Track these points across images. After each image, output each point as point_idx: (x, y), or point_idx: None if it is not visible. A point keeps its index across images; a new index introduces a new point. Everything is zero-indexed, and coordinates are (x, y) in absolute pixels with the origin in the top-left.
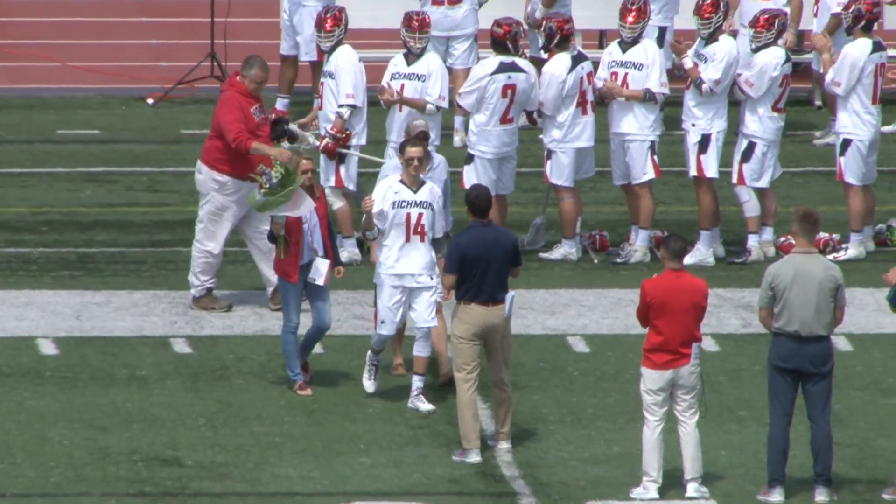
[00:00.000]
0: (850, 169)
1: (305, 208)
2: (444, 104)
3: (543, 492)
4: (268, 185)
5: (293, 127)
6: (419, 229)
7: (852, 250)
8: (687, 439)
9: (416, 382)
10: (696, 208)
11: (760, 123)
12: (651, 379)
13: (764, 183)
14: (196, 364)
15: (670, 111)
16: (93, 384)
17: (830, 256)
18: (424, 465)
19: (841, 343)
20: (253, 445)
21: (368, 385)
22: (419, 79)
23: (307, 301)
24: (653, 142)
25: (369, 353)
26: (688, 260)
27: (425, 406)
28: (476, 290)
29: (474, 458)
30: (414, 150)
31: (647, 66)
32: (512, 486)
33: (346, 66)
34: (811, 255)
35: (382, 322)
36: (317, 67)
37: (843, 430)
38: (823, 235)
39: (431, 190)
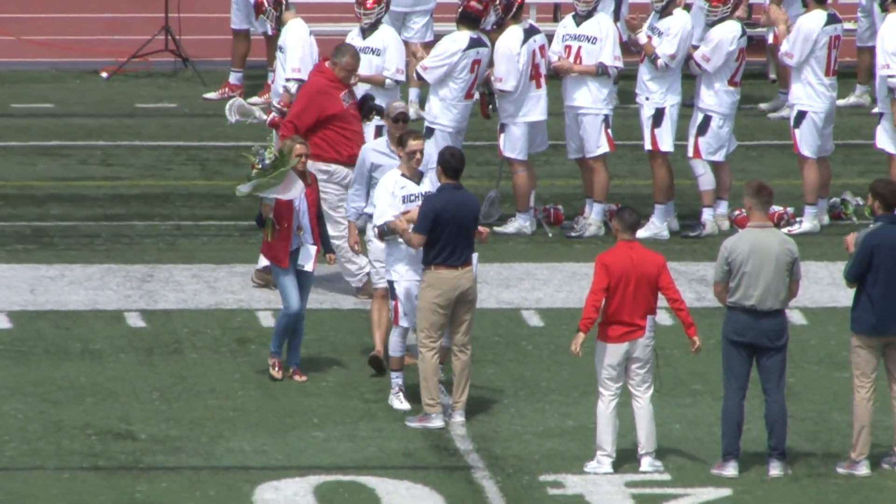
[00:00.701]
0: (805, 141)
1: (296, 192)
2: (402, 77)
3: (497, 465)
4: (260, 166)
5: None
6: None
7: (807, 223)
8: (641, 413)
9: (396, 380)
10: (650, 182)
11: (716, 97)
12: (606, 352)
13: (720, 157)
14: (150, 338)
15: (625, 85)
16: (47, 358)
17: (785, 230)
18: (379, 439)
19: (795, 317)
20: (207, 419)
21: (400, 405)
22: (374, 52)
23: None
24: (606, 115)
25: (392, 374)
26: (642, 233)
27: (402, 405)
28: (448, 252)
29: (437, 422)
30: (416, 144)
31: (600, 39)
32: (466, 460)
33: (294, 41)
34: (767, 229)
35: (405, 315)
36: (270, 41)
37: (797, 403)
38: (778, 209)
39: (431, 181)
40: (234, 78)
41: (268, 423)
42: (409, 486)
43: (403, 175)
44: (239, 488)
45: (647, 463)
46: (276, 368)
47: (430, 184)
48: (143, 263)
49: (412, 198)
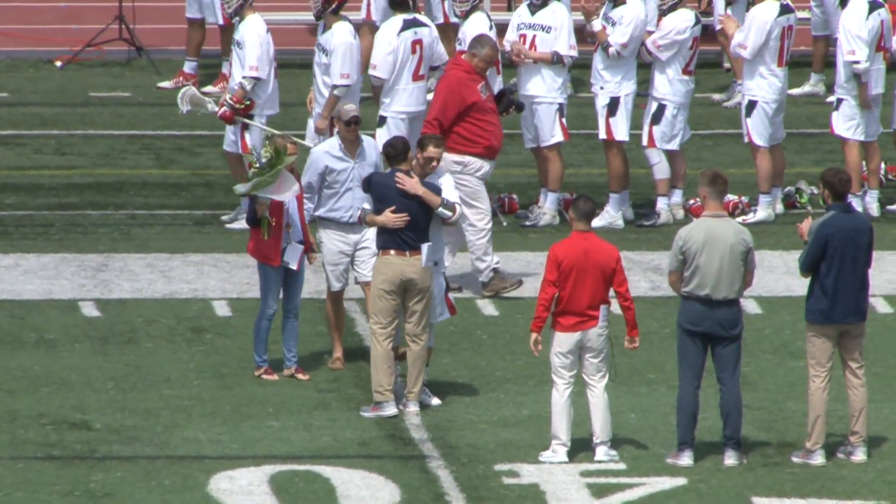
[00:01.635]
0: (757, 130)
1: (291, 193)
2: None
3: (452, 455)
4: (257, 165)
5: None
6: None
7: (761, 212)
8: (596, 402)
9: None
10: (605, 171)
11: (670, 86)
12: (559, 341)
13: (675, 145)
14: (105, 327)
15: (579, 73)
16: (1, 347)
17: (739, 219)
18: (333, 429)
19: (750, 306)
20: (162, 409)
21: (430, 401)
22: (325, 52)
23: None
24: (561, 104)
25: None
26: (597, 223)
27: (434, 400)
28: (395, 237)
29: (390, 410)
30: (435, 151)
31: (555, 28)
32: (421, 449)
33: (251, 38)
34: (722, 219)
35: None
36: (225, 31)
37: (752, 392)
38: (732, 198)
39: (444, 184)
40: (188, 67)
41: (223, 412)
42: (364, 475)
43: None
44: (194, 478)
45: (602, 452)
46: (271, 374)
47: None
48: (97, 253)
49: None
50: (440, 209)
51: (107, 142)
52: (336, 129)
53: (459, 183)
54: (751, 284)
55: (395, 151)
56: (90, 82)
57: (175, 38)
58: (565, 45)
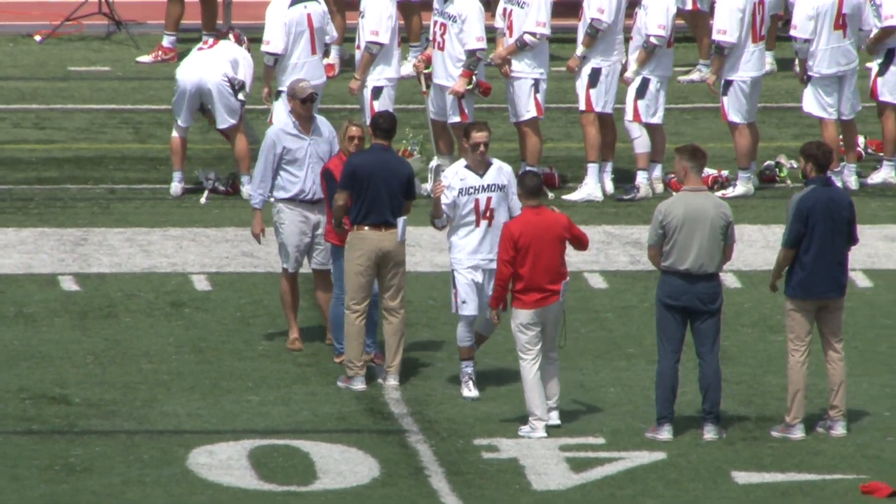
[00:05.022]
0: (733, 107)
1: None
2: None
3: (431, 429)
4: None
5: None
6: (488, 214)
7: (740, 187)
8: (550, 370)
9: (465, 369)
10: (584, 145)
11: (655, 60)
12: (524, 317)
13: (658, 119)
14: (84, 301)
15: (558, 48)
16: None
17: (719, 193)
18: (312, 403)
19: (729, 280)
20: (141, 383)
21: (469, 393)
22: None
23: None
24: (536, 80)
25: (462, 363)
26: (576, 195)
27: (471, 392)
28: (367, 210)
29: (359, 385)
30: (480, 136)
31: (528, 4)
32: (400, 424)
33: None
34: (701, 193)
35: (464, 302)
36: (206, 4)
37: (731, 366)
38: (711, 172)
39: (500, 170)
40: (167, 41)
41: (202, 387)
42: (343, 449)
43: (467, 167)
44: (173, 452)
45: (555, 416)
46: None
47: (496, 174)
48: (76, 227)
49: (472, 190)
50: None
51: (86, 116)
52: (290, 108)
53: None
54: (730, 258)
55: (388, 125)
56: (69, 56)
57: (154, 13)
58: (533, 22)
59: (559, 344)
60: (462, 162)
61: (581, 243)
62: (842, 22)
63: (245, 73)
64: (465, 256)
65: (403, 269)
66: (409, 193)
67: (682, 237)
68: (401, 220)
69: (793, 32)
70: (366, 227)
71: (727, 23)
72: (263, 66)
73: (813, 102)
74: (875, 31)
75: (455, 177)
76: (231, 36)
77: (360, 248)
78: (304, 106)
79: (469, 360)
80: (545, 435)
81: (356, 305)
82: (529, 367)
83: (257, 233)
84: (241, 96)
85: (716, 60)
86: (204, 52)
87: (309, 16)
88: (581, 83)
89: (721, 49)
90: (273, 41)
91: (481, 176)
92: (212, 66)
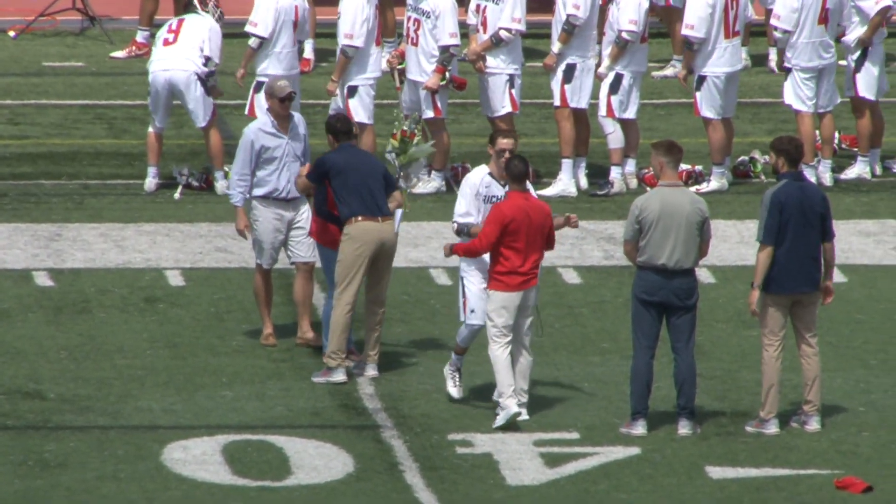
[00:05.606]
0: (706, 102)
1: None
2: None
3: (406, 424)
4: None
5: None
6: None
7: (714, 183)
8: (524, 362)
9: (455, 362)
10: (558, 140)
11: (628, 55)
12: (502, 302)
13: (631, 114)
14: (58, 297)
15: (532, 43)
16: None
17: (693, 188)
18: (287, 398)
19: (704, 275)
20: (115, 378)
21: (454, 392)
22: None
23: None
24: (511, 75)
25: (453, 356)
26: (550, 191)
27: (454, 389)
28: (357, 203)
29: (340, 376)
30: (506, 142)
31: (504, 0)
32: (374, 419)
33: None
34: (678, 188)
35: (473, 311)
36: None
37: (706, 362)
38: (685, 167)
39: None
40: (140, 36)
41: (176, 382)
42: (318, 444)
43: (490, 174)
44: (148, 447)
45: (524, 412)
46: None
47: None
48: (50, 222)
49: (494, 199)
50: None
51: (60, 111)
52: (268, 106)
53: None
54: (706, 254)
55: (345, 127)
56: (43, 52)
57: (128, 8)
58: (508, 18)
59: (537, 335)
60: (485, 169)
61: (552, 240)
62: (825, 16)
63: (214, 45)
64: (477, 264)
65: (392, 260)
66: (390, 186)
67: (659, 232)
68: (398, 212)
69: (775, 23)
70: (359, 219)
71: (695, 18)
72: (247, 48)
73: (791, 94)
74: (852, 26)
75: (481, 183)
76: (195, 2)
77: (360, 240)
78: (283, 105)
79: (461, 356)
80: (518, 410)
81: (349, 297)
82: (501, 351)
83: (241, 228)
84: (211, 81)
85: (686, 56)
86: (170, 49)
87: (297, 8)
88: (556, 79)
89: (690, 44)
90: (261, 24)
91: (503, 185)
92: (179, 62)
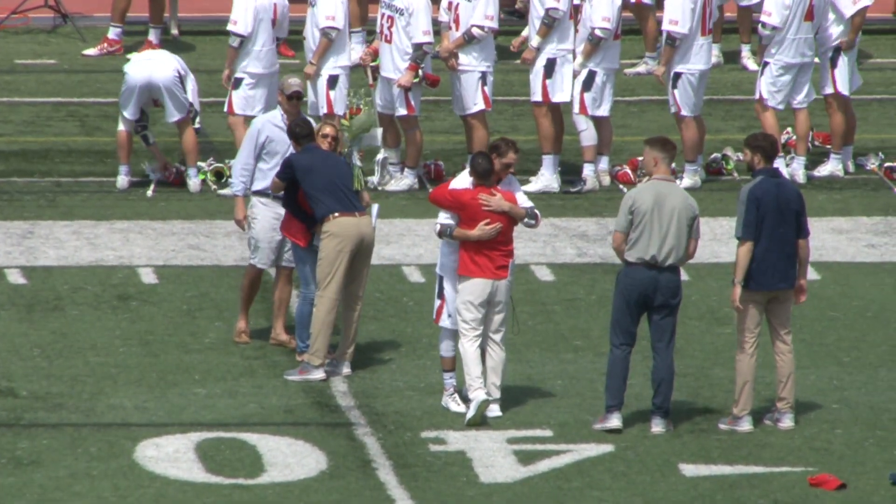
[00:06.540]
0: (683, 100)
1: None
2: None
3: (379, 422)
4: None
5: None
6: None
7: (687, 180)
8: (498, 358)
9: (449, 380)
10: (531, 137)
11: (601, 52)
12: (473, 289)
13: (604, 111)
14: (30, 294)
15: (505, 41)
16: None
17: None
18: (259, 396)
19: None
20: (88, 376)
21: (456, 408)
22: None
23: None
24: (483, 73)
25: (444, 377)
26: (532, 186)
27: (459, 407)
28: (330, 201)
29: (319, 374)
30: (513, 157)
31: None
32: (347, 416)
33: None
34: (671, 183)
35: (450, 316)
36: None
37: (679, 359)
38: None
39: (510, 187)
40: (113, 34)
41: (149, 379)
42: (291, 442)
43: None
44: (120, 445)
45: (497, 409)
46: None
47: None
48: (22, 220)
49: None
50: (525, 219)
51: (32, 109)
52: (279, 100)
53: None
54: (692, 255)
55: (305, 131)
56: (15, 49)
57: (100, 5)
58: (481, 15)
59: (513, 332)
60: (469, 179)
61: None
62: (811, 13)
63: (192, 89)
64: (456, 265)
65: (371, 256)
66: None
67: (650, 224)
68: (374, 207)
69: (765, 19)
70: (336, 215)
71: (679, 13)
72: (228, 48)
73: (765, 87)
74: (827, 23)
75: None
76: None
77: (340, 236)
78: (290, 103)
79: (452, 372)
80: (486, 397)
81: (332, 294)
82: (470, 343)
83: (240, 219)
84: (196, 124)
85: (666, 51)
86: (153, 51)
87: (275, 6)
88: (536, 74)
89: (672, 40)
90: (240, 21)
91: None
92: (163, 64)
